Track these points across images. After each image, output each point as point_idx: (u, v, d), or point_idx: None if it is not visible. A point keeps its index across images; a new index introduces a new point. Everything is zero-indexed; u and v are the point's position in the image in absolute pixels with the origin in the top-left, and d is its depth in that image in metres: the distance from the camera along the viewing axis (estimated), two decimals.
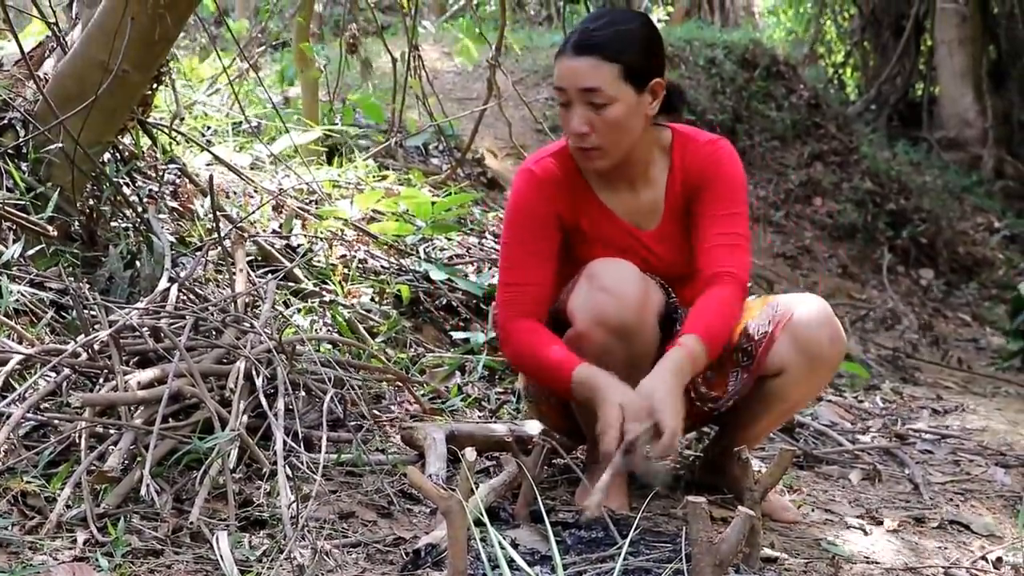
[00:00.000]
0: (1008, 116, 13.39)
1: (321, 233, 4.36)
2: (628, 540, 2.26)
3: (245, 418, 2.70)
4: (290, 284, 3.86)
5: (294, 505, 2.43)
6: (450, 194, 5.22)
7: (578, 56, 2.64)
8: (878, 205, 10.18)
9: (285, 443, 2.64)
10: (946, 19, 13.11)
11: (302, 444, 2.83)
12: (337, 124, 5.85)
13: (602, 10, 2.82)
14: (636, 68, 2.65)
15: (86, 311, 2.93)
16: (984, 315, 8.88)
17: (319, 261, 4.18)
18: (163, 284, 3.27)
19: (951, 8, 13.03)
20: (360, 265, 4.27)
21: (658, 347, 2.71)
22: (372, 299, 4.09)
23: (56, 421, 2.60)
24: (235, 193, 4.53)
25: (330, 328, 3.75)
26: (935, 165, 12.17)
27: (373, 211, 4.66)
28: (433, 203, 4.69)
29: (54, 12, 3.83)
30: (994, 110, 13.02)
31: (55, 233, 3.32)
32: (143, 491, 2.32)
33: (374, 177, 5.22)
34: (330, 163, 5.44)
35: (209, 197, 4.16)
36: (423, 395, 3.53)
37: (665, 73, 2.76)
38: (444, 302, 4.31)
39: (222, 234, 3.68)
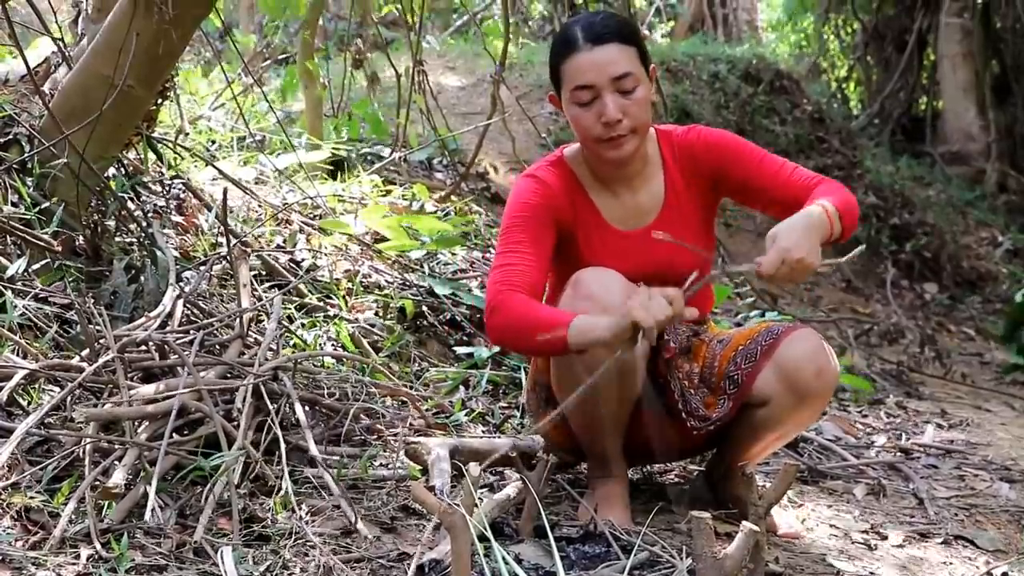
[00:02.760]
0: (1011, 130, 13.38)
1: (325, 248, 4.36)
2: (632, 556, 2.26)
3: (251, 434, 2.70)
4: (294, 299, 3.86)
5: (298, 520, 2.44)
6: (453, 211, 5.23)
7: (599, 46, 2.69)
8: (882, 219, 10.18)
9: (287, 456, 2.64)
10: (949, 34, 13.11)
11: (306, 459, 2.84)
12: (343, 138, 5.87)
13: (585, 12, 2.90)
14: (644, 52, 2.76)
15: (91, 325, 2.94)
16: (988, 329, 8.86)
17: (323, 276, 4.18)
18: (168, 299, 3.27)
19: (954, 23, 13.04)
20: (364, 280, 4.28)
21: (648, 355, 2.71)
22: (376, 314, 4.09)
23: (60, 436, 2.60)
24: (240, 208, 4.54)
25: (334, 343, 3.75)
26: (938, 179, 12.16)
27: (376, 232, 4.66)
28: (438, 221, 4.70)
29: (59, 27, 3.84)
30: (997, 125, 13.02)
31: (60, 248, 3.32)
32: (148, 508, 2.32)
33: (378, 192, 5.23)
34: (334, 178, 5.45)
35: (216, 211, 4.17)
36: (427, 410, 3.52)
37: None
38: (448, 317, 4.31)
39: (227, 249, 3.69)
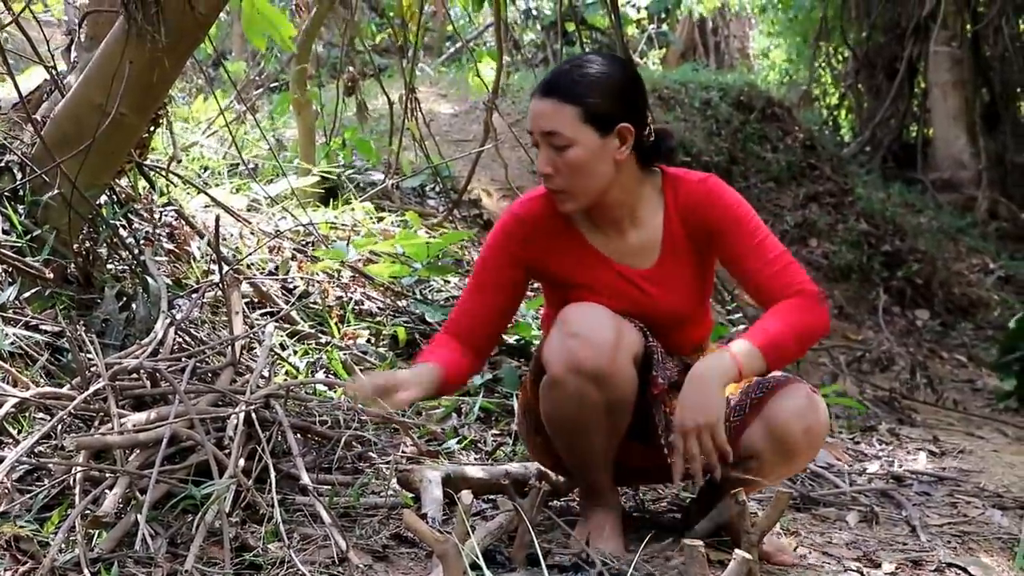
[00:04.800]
0: (1001, 158, 13.45)
1: (317, 275, 4.36)
2: None
3: (243, 462, 2.68)
4: (286, 326, 3.86)
5: (289, 549, 2.42)
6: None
7: (542, 99, 2.67)
8: (873, 246, 10.20)
9: (278, 484, 2.62)
10: (939, 62, 13.20)
11: (297, 487, 2.82)
12: (336, 164, 5.88)
13: (580, 55, 2.87)
14: (597, 111, 2.64)
15: (82, 353, 2.93)
16: (980, 356, 8.88)
17: (315, 303, 4.18)
18: (159, 326, 3.26)
19: (944, 51, 13.12)
20: (356, 307, 4.28)
21: (638, 391, 2.70)
22: (368, 341, 4.08)
23: (50, 465, 2.59)
24: (232, 235, 4.54)
25: (326, 370, 3.74)
26: (930, 206, 12.21)
27: (370, 252, 4.67)
28: (428, 244, 4.69)
29: (52, 56, 3.85)
30: (987, 152, 13.08)
31: (51, 276, 3.31)
32: (138, 537, 2.31)
33: (371, 219, 5.23)
34: (327, 205, 5.46)
35: (208, 239, 4.17)
36: (419, 437, 3.51)
37: (649, 119, 2.75)
38: None
39: (220, 277, 3.69)
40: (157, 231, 4.09)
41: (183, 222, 4.27)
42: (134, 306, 3.44)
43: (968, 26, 13.47)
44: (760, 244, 2.75)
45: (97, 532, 2.39)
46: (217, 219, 3.42)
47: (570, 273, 2.81)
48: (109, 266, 3.66)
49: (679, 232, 2.79)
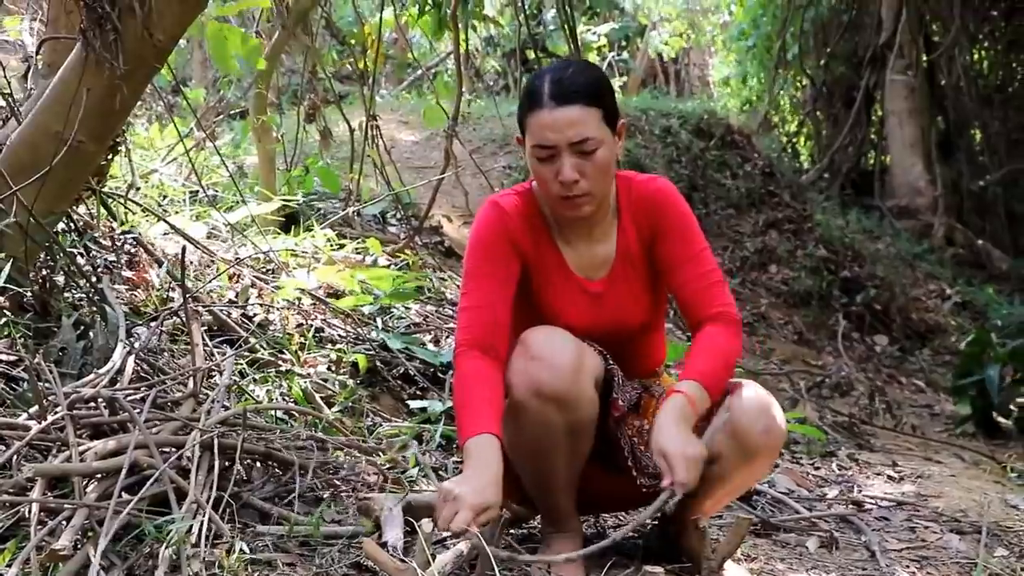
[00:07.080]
0: (957, 185, 13.65)
1: (277, 302, 4.34)
2: None
3: (204, 493, 2.66)
4: (246, 354, 3.84)
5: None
6: (408, 263, 5.23)
7: (562, 106, 2.62)
8: (832, 272, 10.28)
9: (239, 513, 2.60)
10: (896, 91, 13.38)
11: (258, 515, 2.80)
12: (296, 193, 5.87)
13: (558, 63, 2.87)
14: (611, 110, 2.69)
15: (40, 383, 2.90)
16: (937, 381, 8.95)
17: (275, 330, 4.16)
18: (117, 355, 3.23)
19: (900, 80, 13.30)
20: (317, 334, 4.26)
21: (599, 413, 2.70)
22: (329, 368, 4.07)
23: (5, 497, 2.55)
24: (191, 263, 4.51)
25: (286, 397, 3.72)
26: (887, 233, 12.33)
27: (330, 283, 4.66)
28: (394, 278, 4.69)
29: (8, 82, 3.82)
30: (943, 179, 13.26)
31: (7, 304, 3.28)
32: (92, 570, 2.28)
33: (332, 246, 5.22)
34: (288, 232, 5.44)
35: (167, 266, 4.15)
36: (381, 464, 3.50)
37: None
38: (401, 371, 4.29)
39: (179, 305, 3.66)
40: (116, 259, 4.06)
41: (142, 250, 4.24)
42: (92, 334, 3.40)
43: (923, 56, 13.68)
44: (698, 256, 2.80)
45: (52, 565, 2.35)
46: (184, 249, 3.40)
47: (543, 274, 2.81)
48: (66, 294, 3.63)
49: (632, 235, 2.83)
